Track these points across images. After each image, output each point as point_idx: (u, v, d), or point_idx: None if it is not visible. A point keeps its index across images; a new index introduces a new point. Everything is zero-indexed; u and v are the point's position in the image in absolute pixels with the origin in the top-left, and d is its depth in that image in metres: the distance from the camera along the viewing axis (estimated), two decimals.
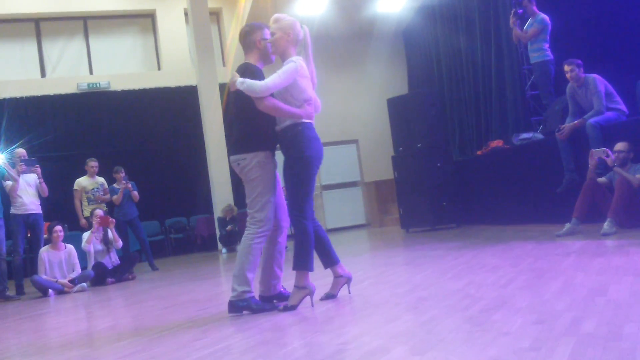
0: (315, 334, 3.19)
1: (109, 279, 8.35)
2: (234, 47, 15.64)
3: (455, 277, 4.57)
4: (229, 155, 4.45)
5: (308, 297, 4.13)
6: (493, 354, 2.36)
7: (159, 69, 15.47)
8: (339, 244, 10.77)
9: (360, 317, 3.54)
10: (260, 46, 4.35)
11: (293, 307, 4.07)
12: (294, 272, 4.11)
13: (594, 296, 3.19)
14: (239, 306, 4.14)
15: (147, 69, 15.50)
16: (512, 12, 9.11)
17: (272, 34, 4.29)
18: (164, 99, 14.80)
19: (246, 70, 4.21)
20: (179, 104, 14.79)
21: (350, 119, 16.12)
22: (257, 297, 4.25)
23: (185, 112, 14.64)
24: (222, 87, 14.11)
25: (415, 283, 4.56)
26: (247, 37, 4.37)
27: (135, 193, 9.97)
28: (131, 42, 15.50)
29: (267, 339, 3.26)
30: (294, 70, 4.13)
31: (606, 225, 6.13)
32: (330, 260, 4.38)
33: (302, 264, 4.07)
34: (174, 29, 15.36)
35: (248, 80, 4.06)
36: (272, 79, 4.07)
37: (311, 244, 4.13)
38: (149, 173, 13.87)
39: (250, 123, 4.20)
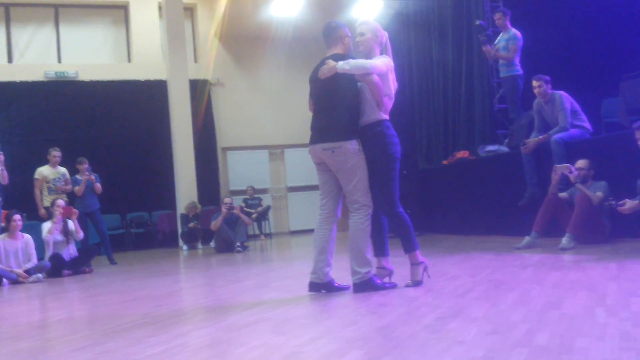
0: (272, 335, 3.18)
1: (66, 271, 8.20)
2: (215, 44, 15.62)
3: (415, 285, 4.59)
4: (315, 142, 4.49)
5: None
6: None
7: (129, 61, 15.30)
8: (302, 246, 10.76)
9: (318, 320, 3.54)
10: (347, 43, 4.63)
11: (419, 282, 4.51)
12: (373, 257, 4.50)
13: (549, 309, 3.23)
14: (366, 286, 4.36)
15: (117, 60, 15.33)
16: (483, 37, 9.10)
17: (362, 34, 4.61)
18: (132, 91, 14.66)
19: (341, 58, 4.38)
20: (147, 97, 14.65)
21: None
22: (308, 285, 4.53)
23: (153, 107, 14.51)
24: (192, 83, 14.03)
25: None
26: (335, 32, 4.63)
27: (98, 185, 9.83)
28: (102, 33, 15.31)
29: (223, 338, 3.23)
30: (390, 62, 4.53)
31: (564, 240, 6.23)
32: (381, 251, 4.67)
33: (411, 246, 4.51)
34: (146, 22, 15.21)
35: (353, 60, 4.31)
36: (376, 62, 4.39)
37: (411, 227, 4.53)
38: (112, 166, 13.69)
39: (348, 112, 4.43)
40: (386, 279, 4.63)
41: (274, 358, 2.69)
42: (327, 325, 3.37)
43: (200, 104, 15.01)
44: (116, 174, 13.71)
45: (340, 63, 4.28)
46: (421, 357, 2.48)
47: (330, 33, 4.64)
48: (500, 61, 9.01)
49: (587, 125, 7.46)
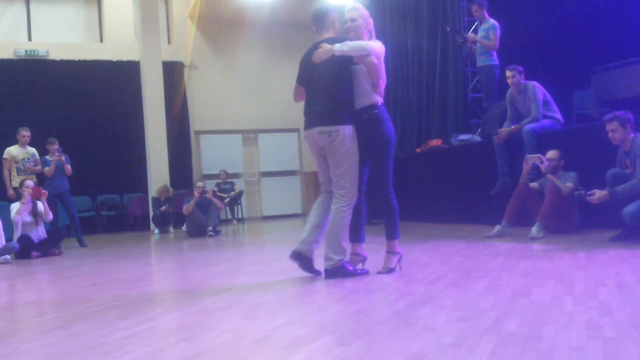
0: (243, 320, 3.17)
1: (34, 253, 8.10)
2: (190, 27, 15.43)
3: (387, 272, 4.61)
4: (311, 126, 4.49)
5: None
6: (417, 348, 2.39)
7: (101, 41, 15.08)
8: (274, 232, 10.75)
9: (290, 306, 3.54)
10: (337, 27, 4.66)
11: (392, 270, 4.54)
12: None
13: (518, 297, 3.27)
14: (338, 273, 4.39)
15: (89, 40, 15.08)
16: (460, 40, 9.32)
17: (353, 20, 4.57)
18: (104, 72, 14.47)
19: (337, 42, 4.37)
20: (119, 78, 14.47)
21: (294, 107, 15.89)
22: (292, 252, 4.57)
23: (125, 87, 14.34)
24: (165, 64, 13.86)
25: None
26: (326, 17, 4.63)
27: (68, 166, 9.69)
28: (74, 11, 15.03)
29: (193, 322, 3.22)
30: (382, 46, 4.54)
31: (534, 230, 6.31)
32: (357, 237, 4.68)
33: (394, 234, 4.59)
34: (119, 1, 14.96)
35: (351, 42, 4.34)
36: (373, 43, 4.43)
37: (398, 215, 4.62)
38: (83, 147, 13.55)
39: (343, 97, 4.43)
40: (359, 266, 4.65)
41: (244, 343, 2.68)
42: (299, 310, 3.37)
43: (174, 86, 14.85)
44: (87, 156, 13.56)
45: (338, 45, 4.29)
46: (391, 343, 2.50)
47: (320, 18, 4.64)
48: (478, 50, 9.06)
49: (558, 116, 7.54)
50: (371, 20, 4.73)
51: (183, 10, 15.60)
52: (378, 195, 4.57)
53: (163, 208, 12.30)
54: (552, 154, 6.71)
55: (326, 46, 4.32)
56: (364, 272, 4.53)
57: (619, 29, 8.26)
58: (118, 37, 14.94)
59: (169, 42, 15.67)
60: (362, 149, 4.46)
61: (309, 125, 4.52)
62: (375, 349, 2.42)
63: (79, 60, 14.36)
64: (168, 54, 14.76)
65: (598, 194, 5.60)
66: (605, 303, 2.99)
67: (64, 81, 14.08)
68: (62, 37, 14.64)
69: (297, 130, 16.36)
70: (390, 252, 4.61)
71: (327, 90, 4.44)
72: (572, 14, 8.75)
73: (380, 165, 4.52)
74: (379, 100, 4.52)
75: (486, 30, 8.86)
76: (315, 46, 4.48)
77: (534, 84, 7.47)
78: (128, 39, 14.93)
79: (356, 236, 4.68)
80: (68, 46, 14.45)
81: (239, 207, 14.67)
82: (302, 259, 4.53)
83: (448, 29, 10.09)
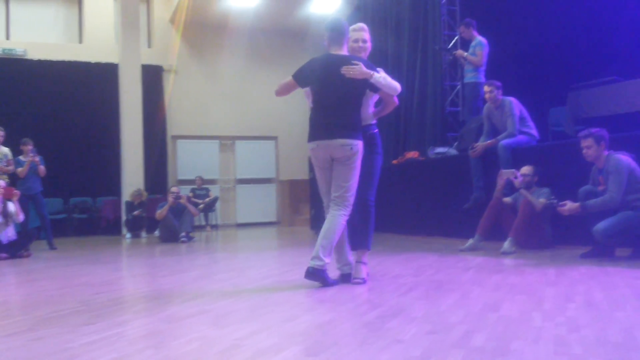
0: (212, 328, 3.14)
1: (2, 254, 7.95)
2: (171, 31, 15.35)
3: (360, 282, 4.60)
4: (330, 137, 4.51)
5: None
6: None
7: (81, 42, 14.95)
8: (247, 239, 10.70)
9: (259, 315, 3.51)
10: (356, 46, 4.77)
11: (365, 280, 4.58)
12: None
13: (487, 311, 3.28)
14: (319, 276, 4.39)
15: (68, 40, 14.95)
16: (451, 56, 9.53)
17: (365, 41, 4.82)
18: (82, 73, 14.35)
19: (369, 65, 4.55)
20: (97, 80, 14.36)
21: (272, 115, 16.08)
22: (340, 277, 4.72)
23: (103, 90, 14.22)
24: (145, 68, 13.80)
25: (318, 285, 4.57)
26: (345, 33, 4.66)
27: (42, 168, 9.58)
28: (54, 11, 14.90)
29: (161, 329, 3.18)
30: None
31: (506, 244, 6.35)
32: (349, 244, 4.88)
33: (366, 244, 4.71)
34: (100, 3, 14.87)
35: (386, 76, 4.59)
36: (398, 86, 4.68)
37: (373, 227, 4.78)
38: (58, 148, 13.40)
39: (359, 113, 4.62)
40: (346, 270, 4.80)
41: (212, 351, 2.65)
42: (268, 319, 3.35)
43: (152, 90, 14.75)
44: (61, 157, 13.40)
45: (377, 75, 4.50)
46: (359, 355, 2.48)
47: (341, 31, 4.64)
48: (467, 66, 9.12)
49: (534, 132, 7.61)
50: None
51: (164, 14, 15.53)
52: (360, 201, 4.67)
53: (136, 212, 12.19)
54: (526, 169, 6.77)
55: (362, 67, 4.44)
56: (336, 283, 4.54)
57: (596, 49, 8.39)
58: (97, 39, 14.83)
59: (149, 46, 15.59)
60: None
61: (327, 136, 4.52)
62: None
63: (57, 61, 14.23)
64: (148, 58, 14.68)
65: (569, 205, 5.65)
66: (573, 319, 3.01)
67: (41, 81, 13.93)
68: (40, 37, 14.49)
69: (275, 138, 16.34)
70: (361, 262, 4.66)
71: (351, 105, 4.56)
72: (551, 32, 8.88)
73: (372, 176, 4.76)
74: (375, 120, 4.88)
75: (473, 47, 8.95)
76: (341, 59, 4.53)
77: (510, 100, 7.53)
78: (108, 41, 14.83)
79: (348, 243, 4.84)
80: (46, 46, 14.31)
81: (214, 213, 14.59)
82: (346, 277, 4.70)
83: (437, 47, 10.17)
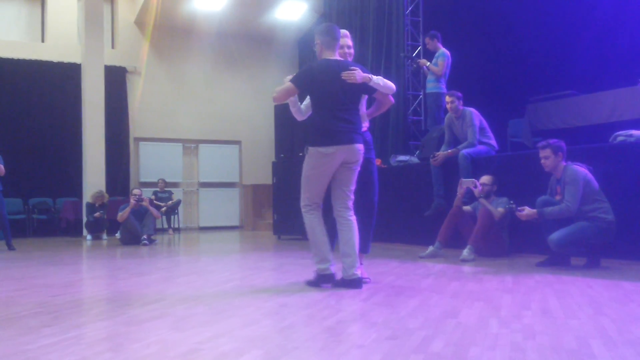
0: (171, 331, 3.14)
1: None
2: (135, 33, 15.18)
3: (317, 288, 4.63)
4: (350, 142, 4.56)
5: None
6: None
7: (43, 41, 14.72)
8: (209, 243, 10.65)
9: (220, 319, 3.52)
10: (342, 52, 4.83)
11: (369, 279, 4.86)
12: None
13: (446, 318, 3.34)
14: (361, 282, 4.60)
15: (30, 39, 14.69)
16: (414, 65, 9.64)
17: (349, 47, 4.91)
18: (44, 73, 14.14)
19: (364, 69, 4.64)
20: (59, 80, 14.17)
21: (236, 120, 16.05)
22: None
23: (65, 90, 14.04)
24: (108, 69, 13.66)
25: (280, 289, 4.59)
26: (339, 39, 4.72)
27: (1, 167, 9.39)
28: (16, 9, 14.63)
29: (120, 332, 3.16)
30: None
31: (465, 252, 6.46)
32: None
33: (369, 247, 5.04)
34: (63, 2, 14.65)
35: (383, 78, 4.68)
36: (394, 86, 4.81)
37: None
38: (17, 147, 13.20)
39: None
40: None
41: (171, 355, 2.66)
42: (229, 323, 3.36)
43: (115, 91, 14.58)
44: (21, 157, 13.18)
45: (376, 78, 4.61)
46: (320, 359, 2.51)
47: (334, 37, 4.68)
48: (429, 77, 9.25)
49: (493, 142, 7.76)
50: None
51: (129, 16, 15.38)
52: (368, 203, 4.87)
53: (97, 214, 12.03)
54: (485, 179, 6.89)
55: (360, 72, 4.53)
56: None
57: (554, 63, 8.60)
58: (60, 38, 14.61)
59: (112, 47, 15.41)
60: None
61: (347, 141, 4.53)
62: None
63: (19, 59, 13.98)
64: (111, 59, 14.53)
65: (527, 211, 5.81)
66: (529, 326, 3.09)
67: (1, 80, 13.68)
68: (2, 35, 14.22)
69: (238, 142, 16.30)
70: (360, 264, 4.86)
71: (356, 110, 4.68)
72: (511, 45, 9.06)
73: (373, 177, 4.92)
74: (367, 125, 5.04)
75: (436, 58, 9.09)
76: (341, 64, 4.58)
77: (471, 111, 7.67)
78: (70, 40, 14.63)
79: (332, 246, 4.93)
80: (8, 44, 14.04)
81: (176, 216, 14.48)
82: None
83: (402, 54, 10.30)
